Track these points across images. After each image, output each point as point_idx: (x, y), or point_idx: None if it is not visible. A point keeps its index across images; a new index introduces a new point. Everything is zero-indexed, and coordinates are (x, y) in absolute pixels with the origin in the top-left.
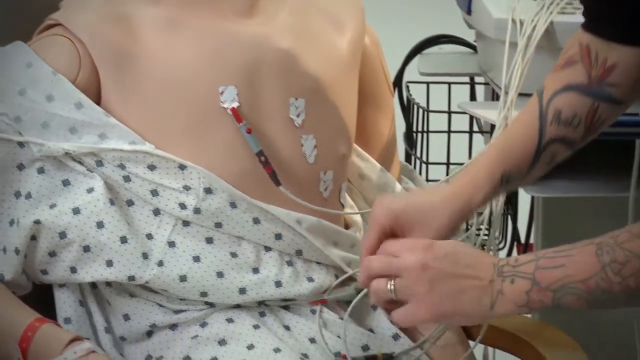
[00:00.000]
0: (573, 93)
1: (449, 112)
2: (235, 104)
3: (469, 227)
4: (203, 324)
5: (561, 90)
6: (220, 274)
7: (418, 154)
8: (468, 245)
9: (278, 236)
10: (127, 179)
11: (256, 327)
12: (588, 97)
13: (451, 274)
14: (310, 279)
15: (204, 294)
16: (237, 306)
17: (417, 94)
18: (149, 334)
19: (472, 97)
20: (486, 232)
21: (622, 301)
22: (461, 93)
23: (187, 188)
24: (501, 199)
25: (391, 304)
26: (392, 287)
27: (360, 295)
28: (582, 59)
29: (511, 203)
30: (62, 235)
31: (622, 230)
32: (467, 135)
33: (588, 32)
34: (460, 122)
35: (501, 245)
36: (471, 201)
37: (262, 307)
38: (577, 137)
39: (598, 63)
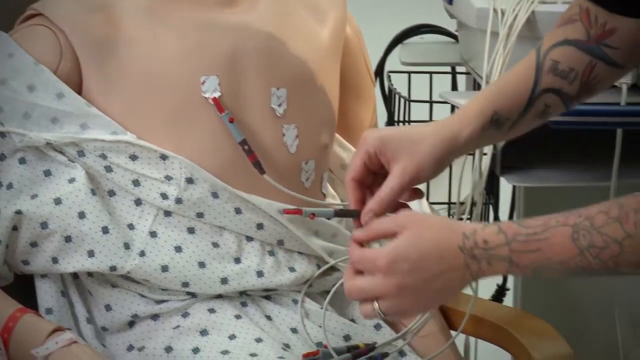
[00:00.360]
0: (571, 47)
1: (431, 102)
2: (217, 94)
3: (451, 216)
4: (185, 314)
5: (559, 44)
6: (201, 264)
7: None
8: (425, 230)
9: (260, 226)
10: (108, 169)
11: (238, 317)
12: (585, 54)
13: (428, 279)
14: (292, 269)
15: (185, 284)
16: (219, 296)
17: (399, 83)
18: (131, 324)
19: (454, 86)
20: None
21: (602, 274)
22: (442, 83)
23: (168, 178)
24: (481, 187)
25: None
26: (380, 311)
27: (338, 284)
28: (581, 18)
29: (493, 192)
30: (44, 225)
31: (595, 210)
32: None
33: (588, 0)
34: (442, 112)
35: None
36: (458, 134)
37: (243, 297)
38: (572, 91)
39: (597, 24)
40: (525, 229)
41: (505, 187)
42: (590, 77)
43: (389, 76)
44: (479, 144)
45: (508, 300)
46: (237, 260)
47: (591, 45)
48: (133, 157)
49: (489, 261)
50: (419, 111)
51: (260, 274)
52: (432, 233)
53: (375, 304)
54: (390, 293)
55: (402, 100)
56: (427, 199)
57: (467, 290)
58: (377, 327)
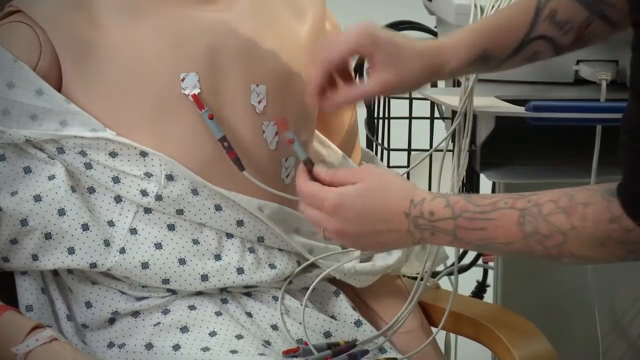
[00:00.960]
0: (571, 0)
1: (410, 99)
2: (197, 91)
3: None
4: (165, 311)
5: None
6: (182, 261)
7: (379, 141)
8: (376, 185)
9: (240, 223)
10: (88, 166)
11: (218, 313)
12: (584, 9)
13: (367, 233)
14: (272, 266)
15: (165, 281)
16: (199, 293)
17: None
18: (111, 321)
19: (433, 83)
20: None
21: (543, 260)
22: None
23: (148, 175)
24: (460, 184)
25: None
26: (323, 235)
27: (319, 278)
28: None
29: (472, 189)
30: (24, 222)
31: (545, 198)
32: (428, 121)
33: None
34: (421, 109)
35: None
36: (446, 62)
37: (224, 294)
38: (564, 42)
39: None
40: (473, 207)
41: (485, 183)
42: (585, 32)
43: (368, 73)
44: (462, 74)
45: (488, 296)
46: (218, 257)
47: (591, 0)
48: (113, 154)
49: (433, 232)
50: (398, 108)
51: (240, 270)
52: (382, 191)
53: (322, 231)
54: (332, 232)
55: (382, 97)
56: None
57: (447, 287)
58: (358, 323)
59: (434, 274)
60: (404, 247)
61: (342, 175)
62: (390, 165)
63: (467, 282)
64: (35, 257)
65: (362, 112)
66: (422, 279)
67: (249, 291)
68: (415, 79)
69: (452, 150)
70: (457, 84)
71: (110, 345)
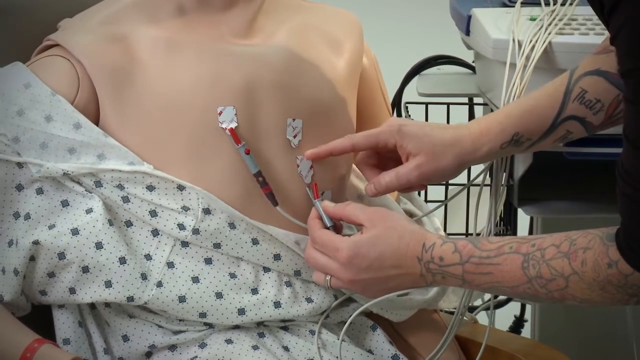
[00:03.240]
0: (602, 79)
1: None
2: (234, 125)
3: None
4: (202, 345)
5: (591, 73)
6: (219, 295)
7: None
8: (390, 231)
9: (277, 257)
10: (125, 199)
11: (255, 347)
12: (614, 87)
13: (381, 279)
14: (309, 300)
15: (203, 315)
16: (236, 327)
17: (416, 114)
18: (148, 355)
19: (471, 117)
20: None
21: (549, 303)
22: (460, 114)
23: (185, 209)
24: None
25: None
26: (329, 283)
27: (356, 313)
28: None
29: (510, 224)
30: (61, 255)
31: (548, 242)
32: None
33: None
34: None
35: None
36: (477, 150)
37: (261, 327)
38: (595, 121)
39: None
40: (480, 251)
41: (523, 218)
42: (616, 111)
43: (406, 107)
44: (494, 157)
45: (526, 331)
46: (254, 291)
47: (621, 80)
48: (150, 188)
49: (443, 276)
50: None
51: (277, 304)
52: (396, 236)
53: (327, 278)
54: (343, 281)
55: None
56: (445, 230)
57: (485, 322)
58: (395, 358)
59: (472, 309)
60: (416, 287)
61: (349, 211)
62: (427, 199)
63: (505, 317)
64: (72, 291)
65: None
66: (459, 314)
67: (285, 325)
68: (449, 168)
69: (490, 185)
70: None
71: None
